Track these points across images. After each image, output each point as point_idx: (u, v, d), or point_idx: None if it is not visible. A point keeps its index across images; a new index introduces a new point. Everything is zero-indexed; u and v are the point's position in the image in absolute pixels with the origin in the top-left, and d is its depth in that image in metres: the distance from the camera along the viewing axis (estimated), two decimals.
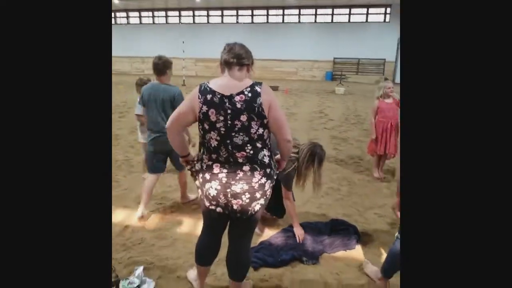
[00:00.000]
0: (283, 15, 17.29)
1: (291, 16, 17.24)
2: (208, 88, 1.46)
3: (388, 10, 16.01)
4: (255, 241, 2.38)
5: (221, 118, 1.44)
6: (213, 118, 1.45)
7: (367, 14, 16.37)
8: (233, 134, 1.45)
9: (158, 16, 18.95)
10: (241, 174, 1.49)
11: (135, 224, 2.63)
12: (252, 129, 1.45)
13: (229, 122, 1.44)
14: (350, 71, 16.51)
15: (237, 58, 1.48)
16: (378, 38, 15.98)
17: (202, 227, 1.77)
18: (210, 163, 1.52)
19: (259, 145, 1.49)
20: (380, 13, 16.26)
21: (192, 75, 16.57)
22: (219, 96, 1.44)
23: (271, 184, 1.56)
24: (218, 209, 1.56)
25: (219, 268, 2.04)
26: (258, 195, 1.51)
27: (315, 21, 17.02)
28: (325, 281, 2.01)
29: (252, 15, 17.61)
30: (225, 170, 1.50)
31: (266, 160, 1.52)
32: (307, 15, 17.07)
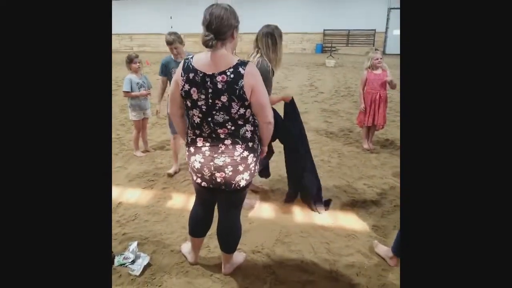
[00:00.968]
0: None
1: None
2: (191, 66, 1.43)
3: None
4: (247, 214, 2.43)
5: (202, 96, 1.43)
6: (195, 96, 1.44)
7: None
8: (214, 112, 1.45)
9: None
10: (223, 147, 1.51)
11: (128, 201, 2.64)
12: (232, 109, 1.43)
13: (210, 101, 1.42)
14: (340, 43, 16.23)
15: (217, 34, 1.36)
16: (368, 8, 15.62)
17: (194, 200, 1.81)
18: (194, 137, 1.56)
19: (240, 122, 1.48)
20: None
21: None
22: (201, 75, 1.40)
23: (255, 158, 1.57)
24: (203, 184, 1.61)
25: (212, 241, 2.08)
26: (241, 168, 1.53)
27: None
28: (316, 250, 2.07)
29: None
30: (208, 144, 1.52)
31: (249, 134, 1.52)
32: None
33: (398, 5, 15.12)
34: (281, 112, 2.40)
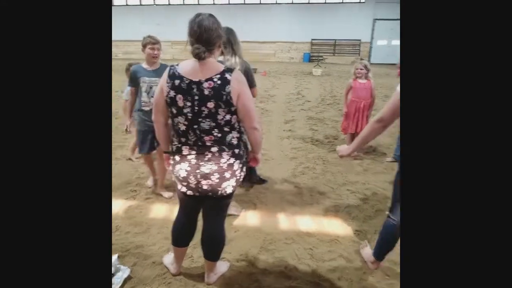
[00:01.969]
0: None
1: None
2: (176, 73, 1.43)
3: None
4: (232, 222, 2.42)
5: (188, 104, 1.43)
6: (180, 103, 1.43)
7: None
8: (200, 119, 1.44)
9: None
10: (209, 155, 1.50)
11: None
12: (219, 116, 1.44)
13: (196, 108, 1.42)
14: (327, 52, 16.54)
15: (207, 45, 1.39)
16: (354, 19, 16.02)
17: (178, 208, 1.79)
18: (179, 145, 1.54)
19: (227, 129, 1.49)
20: None
21: (169, 58, 16.10)
22: (187, 82, 1.41)
23: (241, 165, 1.58)
24: (189, 192, 1.60)
25: (195, 251, 2.06)
26: (227, 175, 1.53)
27: (292, 2, 16.78)
28: (299, 256, 2.08)
29: None
30: (193, 152, 1.52)
31: (235, 141, 1.53)
32: None
33: (383, 17, 15.60)
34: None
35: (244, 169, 1.63)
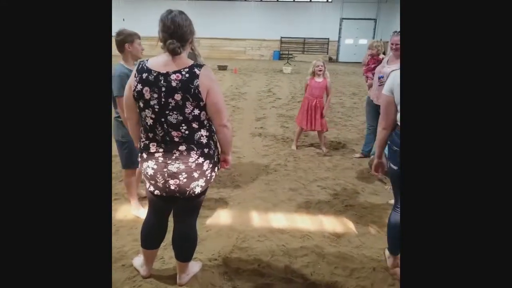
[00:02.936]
0: None
1: None
2: (145, 67, 1.43)
3: None
4: (205, 222, 2.39)
5: (155, 95, 1.41)
6: (147, 96, 1.42)
7: None
8: (167, 112, 1.42)
9: None
10: (177, 153, 1.48)
11: None
12: (186, 109, 1.42)
13: (163, 99, 1.40)
14: (296, 50, 16.81)
15: (181, 41, 1.40)
16: (322, 18, 16.40)
17: (147, 209, 1.75)
18: (147, 142, 1.51)
19: (195, 125, 1.47)
20: None
21: None
22: (155, 74, 1.40)
23: (211, 165, 1.55)
24: (156, 192, 1.57)
25: (166, 252, 2.01)
26: (195, 174, 1.50)
27: (261, 0, 16.83)
28: (272, 253, 2.10)
29: None
30: (161, 150, 1.49)
31: (204, 140, 1.50)
32: None
33: (350, 16, 16.09)
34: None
35: (216, 169, 1.61)
